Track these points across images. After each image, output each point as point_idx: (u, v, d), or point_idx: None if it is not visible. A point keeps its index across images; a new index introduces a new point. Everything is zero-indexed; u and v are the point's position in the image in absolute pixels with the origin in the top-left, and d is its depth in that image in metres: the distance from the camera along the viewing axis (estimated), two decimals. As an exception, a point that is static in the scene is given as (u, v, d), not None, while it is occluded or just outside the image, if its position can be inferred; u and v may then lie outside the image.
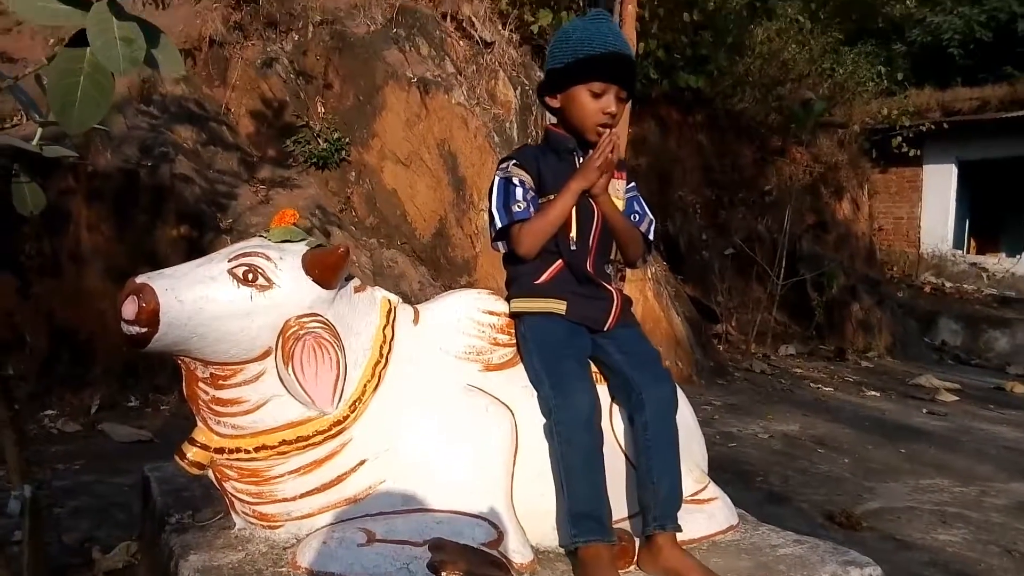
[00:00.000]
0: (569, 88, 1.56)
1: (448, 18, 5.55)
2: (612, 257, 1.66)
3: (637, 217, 1.66)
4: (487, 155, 4.93)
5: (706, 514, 1.62)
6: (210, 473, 1.43)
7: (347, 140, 4.83)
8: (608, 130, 1.55)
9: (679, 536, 1.46)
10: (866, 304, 8.32)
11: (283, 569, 1.32)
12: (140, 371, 3.49)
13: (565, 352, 1.51)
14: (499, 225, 1.55)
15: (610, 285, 1.61)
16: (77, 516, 2.13)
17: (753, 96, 8.69)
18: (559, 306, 1.55)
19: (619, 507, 1.53)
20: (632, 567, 1.46)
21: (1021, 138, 10.91)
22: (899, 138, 9.49)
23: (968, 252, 12.31)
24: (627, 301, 1.65)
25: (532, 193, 1.56)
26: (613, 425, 1.56)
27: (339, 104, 5.00)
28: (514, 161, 1.60)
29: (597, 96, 1.54)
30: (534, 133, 5.41)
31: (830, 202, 9.90)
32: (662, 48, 6.84)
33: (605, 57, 1.51)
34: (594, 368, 1.59)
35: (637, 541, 1.49)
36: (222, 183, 4.04)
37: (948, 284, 11.02)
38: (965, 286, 10.94)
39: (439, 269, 4.73)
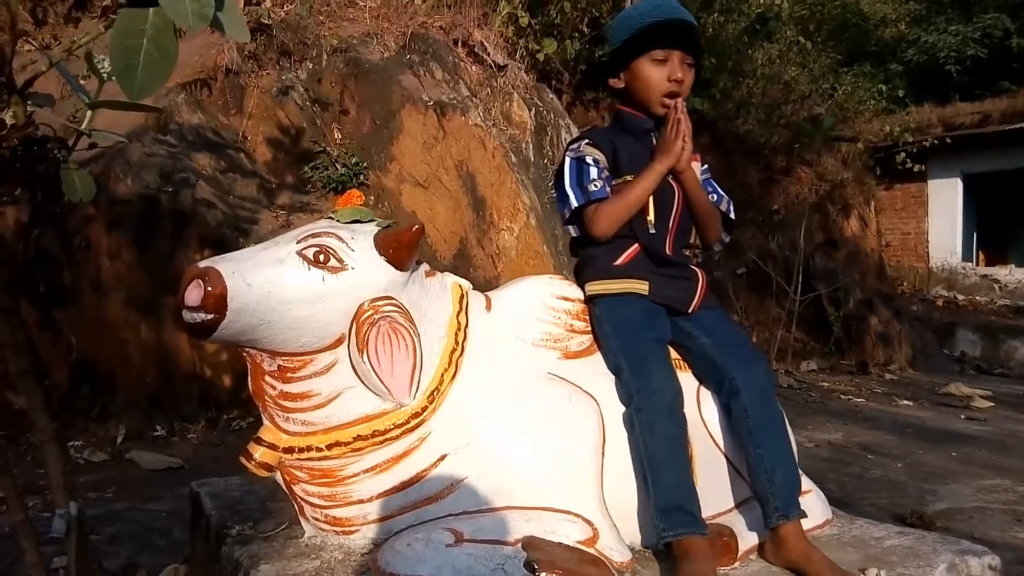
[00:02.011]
0: (631, 63, 1.50)
1: (460, 44, 5.56)
2: (691, 241, 1.57)
3: (715, 197, 1.59)
4: (506, 175, 4.88)
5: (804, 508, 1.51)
6: (277, 476, 1.33)
7: (365, 164, 4.78)
8: (675, 99, 1.48)
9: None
10: (884, 318, 8.23)
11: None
12: (165, 400, 3.37)
13: (645, 334, 1.42)
14: (574, 205, 1.47)
15: (693, 266, 1.53)
16: (115, 543, 2.00)
17: (756, 117, 8.72)
18: (641, 286, 1.46)
19: (717, 501, 1.43)
20: (737, 563, 1.35)
21: (1024, 149, 10.95)
22: (903, 154, 9.48)
23: (978, 264, 12.24)
24: (711, 283, 1.56)
25: (607, 172, 1.49)
26: (703, 414, 1.46)
27: (356, 129, 4.97)
28: (586, 140, 1.52)
29: (660, 64, 1.47)
30: (550, 153, 5.38)
31: (838, 220, 9.86)
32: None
33: (664, 23, 1.46)
34: (674, 355, 1.50)
35: (739, 537, 1.38)
36: (243, 208, 3.98)
37: (960, 297, 10.93)
38: (978, 298, 10.85)
39: (461, 290, 4.63)
